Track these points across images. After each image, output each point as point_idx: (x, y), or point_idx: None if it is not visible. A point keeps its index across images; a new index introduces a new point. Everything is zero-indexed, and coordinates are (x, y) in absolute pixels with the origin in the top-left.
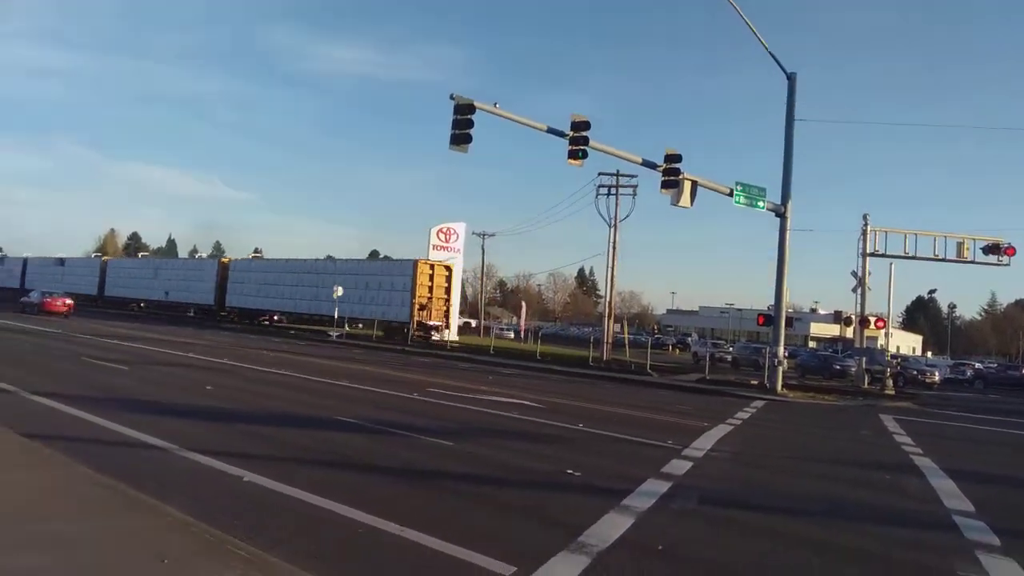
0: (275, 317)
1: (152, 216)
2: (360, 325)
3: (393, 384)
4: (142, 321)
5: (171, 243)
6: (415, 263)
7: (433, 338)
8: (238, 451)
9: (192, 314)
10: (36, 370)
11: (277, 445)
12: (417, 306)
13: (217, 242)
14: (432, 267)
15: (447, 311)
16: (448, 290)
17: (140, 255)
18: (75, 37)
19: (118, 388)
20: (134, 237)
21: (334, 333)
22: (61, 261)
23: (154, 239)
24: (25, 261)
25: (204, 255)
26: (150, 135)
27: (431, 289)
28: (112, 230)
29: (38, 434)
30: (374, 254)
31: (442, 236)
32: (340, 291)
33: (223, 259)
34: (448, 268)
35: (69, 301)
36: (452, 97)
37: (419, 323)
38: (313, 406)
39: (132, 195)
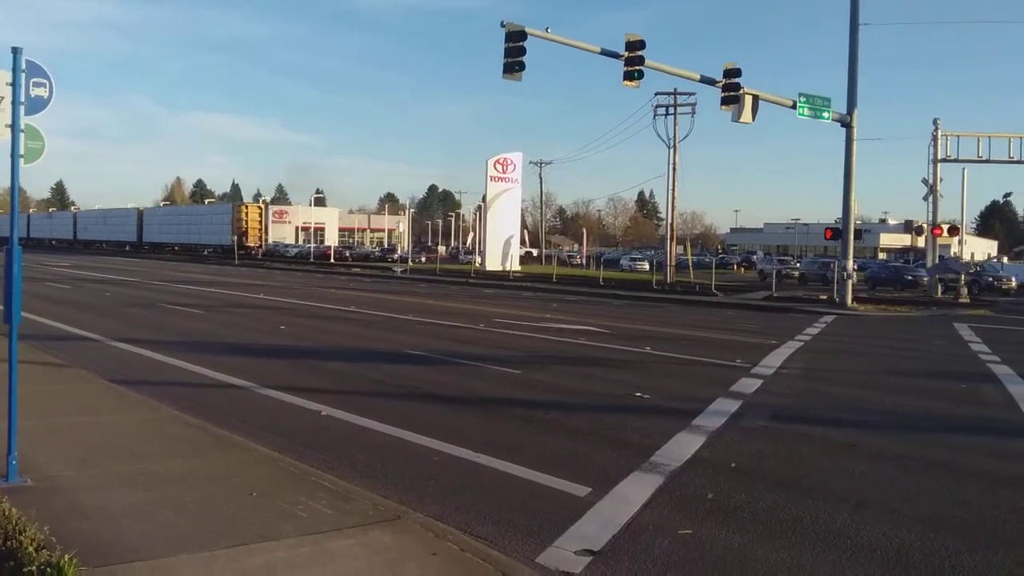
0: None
1: (216, 163)
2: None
3: (458, 316)
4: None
5: (235, 188)
6: (232, 207)
7: (252, 253)
8: (313, 387)
9: (206, 253)
10: (118, 318)
11: (350, 380)
12: (240, 233)
13: (280, 185)
14: (247, 208)
15: (262, 235)
16: (260, 222)
17: (207, 202)
18: None
19: (196, 331)
20: (199, 184)
21: (398, 269)
22: (103, 214)
23: (219, 185)
24: (75, 215)
25: (268, 199)
26: (209, 83)
27: (248, 222)
28: (178, 178)
29: (124, 379)
30: (432, 189)
31: (499, 167)
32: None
33: (239, 205)
34: (260, 208)
35: None
36: (503, 24)
37: (243, 245)
38: (382, 340)
39: (196, 143)
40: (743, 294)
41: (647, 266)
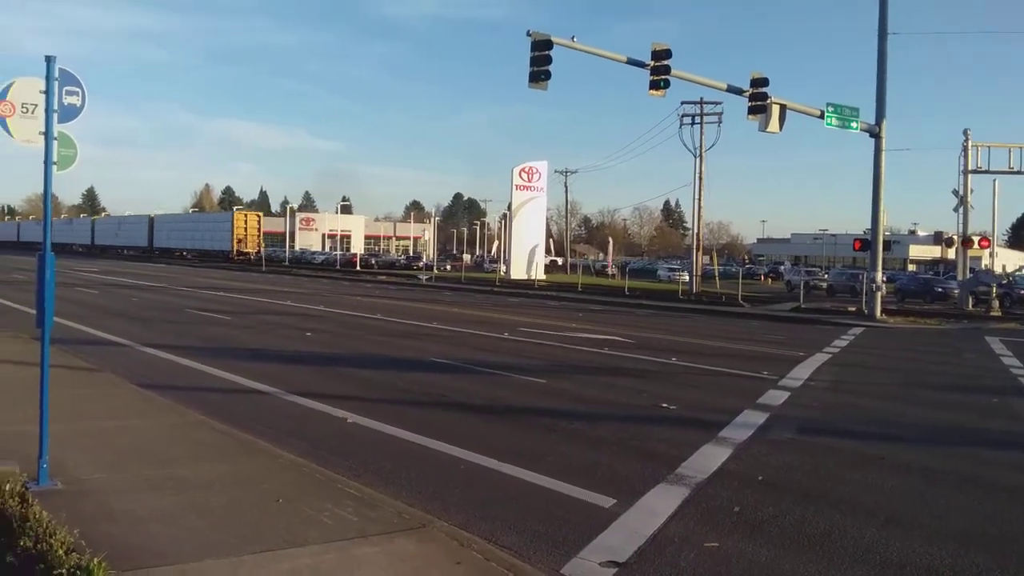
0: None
1: (244, 170)
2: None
3: (484, 324)
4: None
5: (263, 195)
6: (232, 214)
7: (250, 259)
8: (340, 394)
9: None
10: (146, 323)
11: (376, 387)
12: (236, 239)
13: (307, 192)
14: (246, 216)
15: (259, 242)
16: (259, 229)
17: (235, 209)
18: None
19: (223, 337)
20: (227, 192)
21: (424, 277)
22: (118, 220)
23: (247, 192)
24: (93, 222)
25: (295, 206)
26: (238, 91)
27: (246, 230)
28: (207, 185)
29: (152, 384)
30: (458, 197)
31: (524, 175)
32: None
33: (237, 213)
34: (258, 216)
35: None
36: (529, 34)
37: (238, 251)
38: (408, 348)
39: (224, 151)
40: (770, 305)
41: (687, 276)
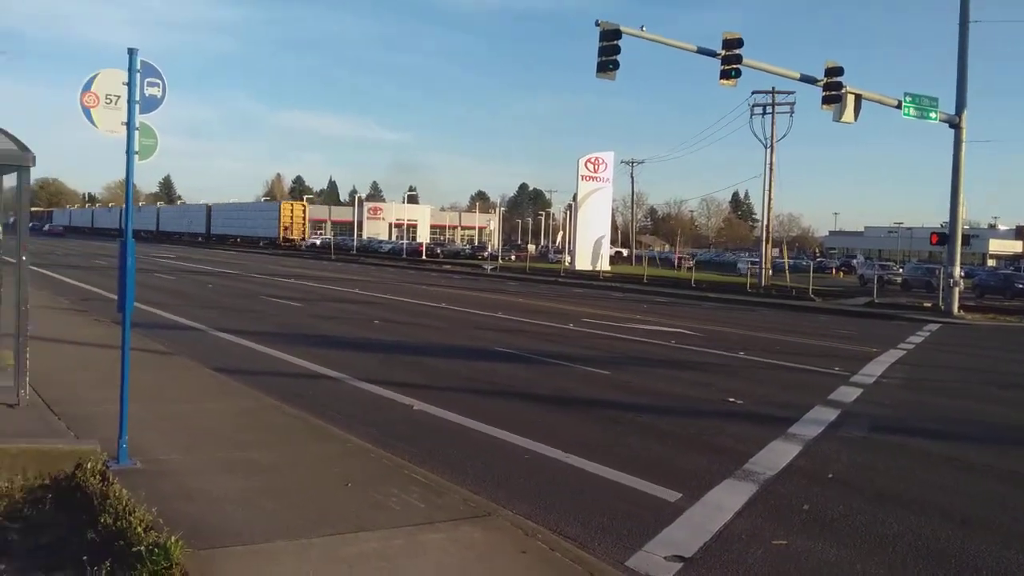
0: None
1: (313, 160)
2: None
3: (548, 315)
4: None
5: (331, 185)
6: (280, 204)
7: (296, 245)
8: (406, 381)
9: (262, 245)
10: (221, 309)
11: (441, 375)
12: (283, 227)
13: (375, 182)
14: (292, 205)
15: (304, 231)
16: (304, 218)
17: (305, 198)
18: None
19: (293, 323)
20: (298, 181)
21: (488, 266)
22: (181, 208)
23: (316, 182)
24: (158, 209)
25: (363, 195)
26: (308, 82)
27: (292, 218)
28: (278, 175)
29: (227, 368)
30: (523, 187)
31: (590, 166)
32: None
33: (284, 203)
34: (304, 206)
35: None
36: (598, 24)
37: (285, 238)
38: (473, 337)
39: (295, 141)
40: (842, 299)
41: (770, 271)
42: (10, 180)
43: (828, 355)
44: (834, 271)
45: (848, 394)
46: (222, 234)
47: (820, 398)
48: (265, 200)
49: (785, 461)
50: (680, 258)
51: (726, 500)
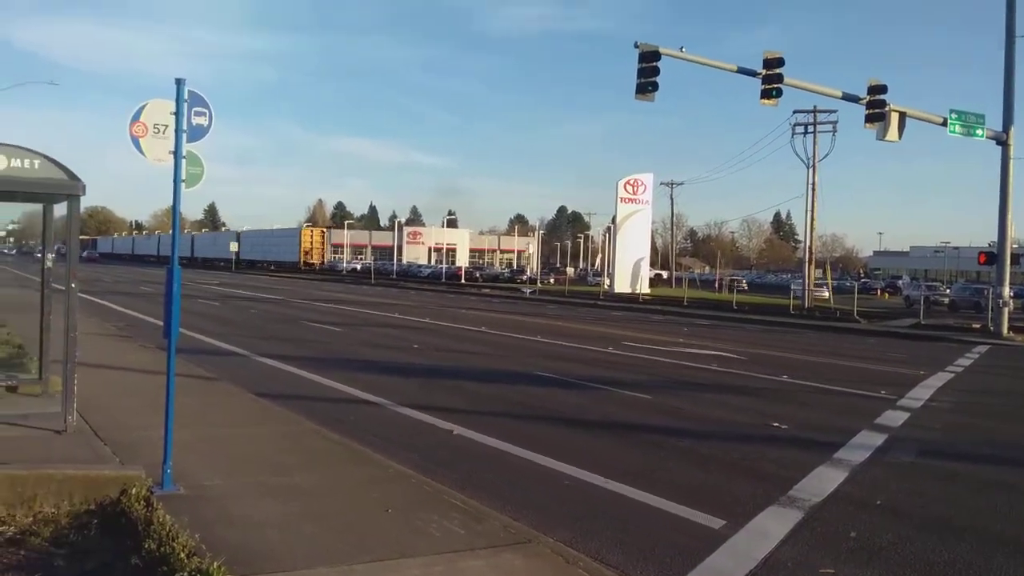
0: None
1: (355, 185)
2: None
3: (587, 339)
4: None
5: (372, 210)
6: (300, 230)
7: (315, 268)
8: (446, 406)
9: (272, 268)
10: (262, 334)
11: (481, 400)
12: (304, 251)
13: (414, 206)
14: (311, 231)
15: (323, 254)
16: (323, 243)
17: (347, 223)
18: (280, 21)
19: (334, 348)
20: (339, 207)
21: (527, 290)
22: (213, 235)
23: (357, 207)
24: (192, 236)
25: (402, 220)
26: (350, 108)
27: (311, 243)
28: (320, 200)
29: (268, 393)
30: (562, 210)
31: (629, 188)
32: (235, 246)
33: (304, 229)
34: (323, 231)
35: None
36: (636, 45)
37: (305, 261)
38: (511, 361)
39: (336, 166)
40: (888, 321)
41: (826, 294)
42: (61, 209)
43: (874, 378)
44: (879, 292)
45: (895, 418)
46: (250, 259)
47: (866, 422)
48: (308, 225)
49: (831, 487)
50: (732, 280)
51: (771, 527)
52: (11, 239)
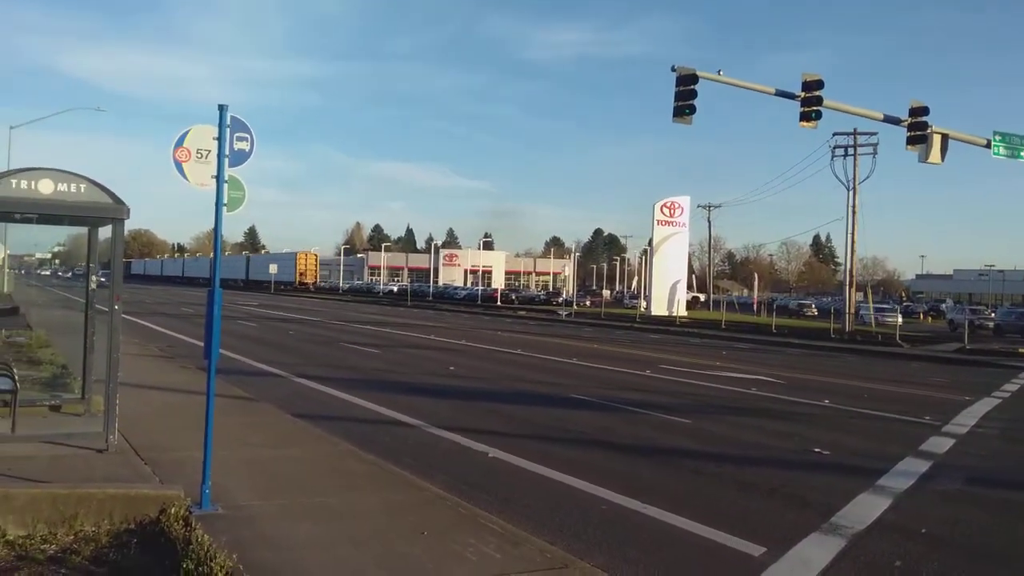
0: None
1: (393, 208)
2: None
3: (624, 361)
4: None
5: (409, 232)
6: (296, 254)
7: (308, 287)
8: (481, 428)
9: (274, 288)
10: (302, 356)
11: (517, 423)
12: (300, 273)
13: (451, 229)
14: (306, 255)
15: (316, 276)
16: (316, 266)
17: (384, 246)
18: (321, 50)
19: (371, 370)
20: (376, 229)
21: (563, 312)
22: (230, 258)
23: (395, 229)
24: (210, 260)
25: (439, 243)
26: (388, 133)
27: (307, 266)
28: (358, 223)
29: (306, 414)
30: (598, 233)
31: (666, 211)
32: (274, 268)
33: (299, 253)
34: (315, 255)
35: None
36: (674, 69)
37: (300, 282)
38: (548, 384)
39: (374, 190)
40: (931, 345)
41: (899, 318)
42: (105, 232)
43: (918, 403)
44: (922, 316)
45: (940, 444)
46: (256, 279)
47: (910, 449)
48: (346, 247)
49: (874, 515)
50: (800, 304)
51: (813, 555)
52: (56, 261)
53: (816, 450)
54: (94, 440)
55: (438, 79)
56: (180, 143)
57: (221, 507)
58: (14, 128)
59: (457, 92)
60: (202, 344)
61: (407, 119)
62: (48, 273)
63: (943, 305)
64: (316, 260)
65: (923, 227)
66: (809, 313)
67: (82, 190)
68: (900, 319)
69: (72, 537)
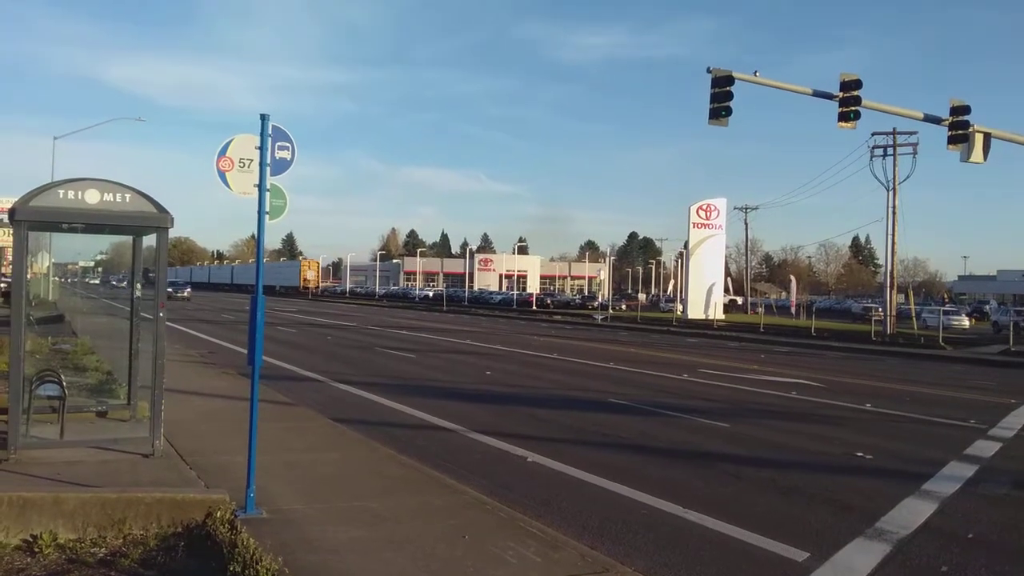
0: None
1: (426, 213)
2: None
3: (662, 365)
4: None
5: (444, 237)
6: (300, 262)
7: (312, 291)
8: (519, 433)
9: (280, 290)
10: (339, 360)
11: (555, 427)
12: (303, 278)
13: (485, 234)
14: (309, 262)
15: (318, 281)
16: (317, 272)
17: (419, 251)
18: (354, 56)
19: (408, 375)
20: (411, 235)
21: (599, 316)
22: (246, 266)
23: (429, 235)
24: (232, 267)
25: (474, 247)
26: (422, 138)
27: (309, 271)
28: (393, 229)
29: (344, 418)
30: (633, 236)
31: (702, 213)
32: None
33: (302, 259)
34: (317, 263)
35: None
36: (709, 70)
37: (303, 286)
38: (585, 388)
39: (409, 195)
40: (975, 347)
41: (966, 322)
42: (149, 240)
43: (962, 407)
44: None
45: (986, 448)
46: (269, 285)
47: (955, 452)
48: (381, 253)
49: (920, 519)
50: (866, 307)
51: (857, 561)
52: (100, 269)
53: (859, 454)
54: (140, 445)
55: (470, 84)
56: (223, 152)
57: (265, 511)
58: (58, 139)
59: (489, 96)
60: (242, 350)
61: (440, 124)
62: (97, 282)
63: (987, 306)
64: (318, 268)
65: (965, 227)
66: (876, 317)
67: (127, 200)
68: (968, 322)
69: (121, 540)
